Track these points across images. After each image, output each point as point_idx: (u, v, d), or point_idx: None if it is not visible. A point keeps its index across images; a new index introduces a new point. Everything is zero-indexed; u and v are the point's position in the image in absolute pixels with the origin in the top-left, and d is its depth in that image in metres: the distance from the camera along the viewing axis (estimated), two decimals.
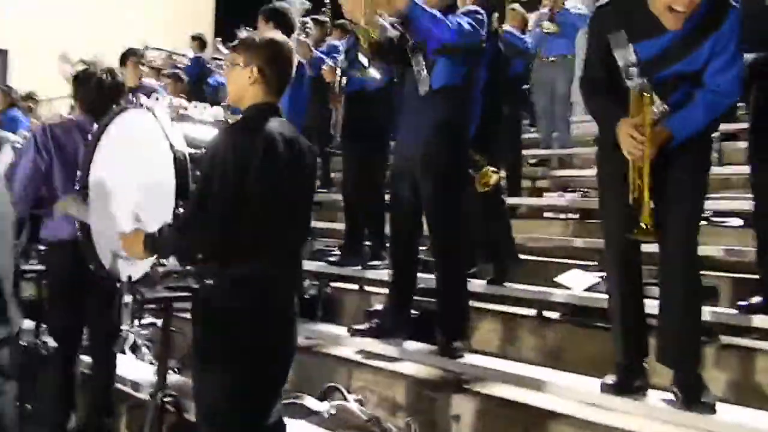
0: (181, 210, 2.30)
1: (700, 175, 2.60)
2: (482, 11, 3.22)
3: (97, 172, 2.82)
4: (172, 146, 2.47)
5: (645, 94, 2.46)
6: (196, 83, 7.80)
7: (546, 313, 3.76)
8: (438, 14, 3.03)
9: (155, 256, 2.36)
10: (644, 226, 2.43)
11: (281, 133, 2.19)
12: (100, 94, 3.11)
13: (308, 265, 4.95)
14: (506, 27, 5.14)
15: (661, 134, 2.45)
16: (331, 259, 4.73)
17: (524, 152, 6.44)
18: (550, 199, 5.65)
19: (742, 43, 2.50)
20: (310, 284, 4.69)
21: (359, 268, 4.49)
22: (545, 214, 5.61)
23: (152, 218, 2.41)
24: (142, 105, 2.63)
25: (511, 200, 5.42)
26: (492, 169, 3.72)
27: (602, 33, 2.59)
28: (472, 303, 4.01)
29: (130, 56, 5.21)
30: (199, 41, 8.42)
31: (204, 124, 2.71)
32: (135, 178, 2.65)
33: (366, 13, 3.05)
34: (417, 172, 3.27)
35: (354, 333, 3.56)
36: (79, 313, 3.11)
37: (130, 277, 2.59)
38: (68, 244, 2.95)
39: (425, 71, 3.20)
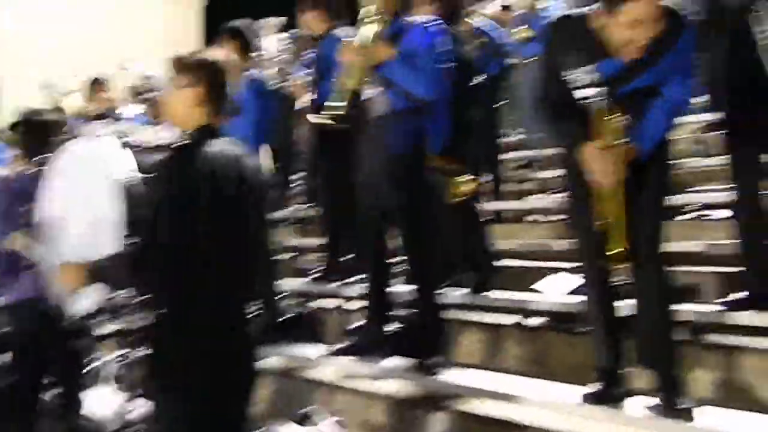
0: (130, 240, 2.24)
1: (665, 179, 2.61)
2: (442, 22, 3.19)
3: (50, 206, 2.77)
4: (118, 175, 2.44)
5: (607, 114, 2.43)
6: None
7: (528, 321, 3.66)
8: (412, 72, 3.07)
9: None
10: (619, 251, 2.43)
11: (224, 154, 2.15)
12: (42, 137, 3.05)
13: (289, 283, 4.89)
14: (482, 22, 5.03)
15: (630, 152, 2.44)
16: (313, 276, 4.64)
17: (511, 155, 6.39)
18: (534, 201, 5.56)
19: None
20: (292, 303, 4.62)
21: (337, 284, 4.40)
22: (531, 218, 5.50)
23: (102, 247, 2.36)
24: (90, 134, 2.59)
25: (492, 205, 5.37)
26: (463, 178, 3.64)
27: (555, 52, 2.56)
28: (455, 314, 3.95)
29: (95, 84, 5.20)
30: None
31: (157, 148, 2.66)
32: (86, 208, 2.60)
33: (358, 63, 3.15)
34: (382, 187, 3.21)
35: (332, 353, 3.47)
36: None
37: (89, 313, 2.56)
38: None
39: (384, 93, 3.21)
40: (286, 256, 5.95)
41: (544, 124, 2.74)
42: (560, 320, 3.49)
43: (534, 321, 3.67)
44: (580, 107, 2.49)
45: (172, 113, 2.29)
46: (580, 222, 2.64)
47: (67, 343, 2.90)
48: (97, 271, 2.20)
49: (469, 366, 3.61)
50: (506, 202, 5.56)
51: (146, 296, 2.32)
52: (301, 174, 6.31)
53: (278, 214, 7.00)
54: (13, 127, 3.24)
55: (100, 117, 5.42)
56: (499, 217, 5.38)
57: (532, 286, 3.82)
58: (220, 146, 2.17)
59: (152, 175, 2.27)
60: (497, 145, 5.53)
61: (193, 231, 2.03)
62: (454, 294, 3.91)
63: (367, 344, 3.42)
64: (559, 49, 2.54)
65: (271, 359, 3.82)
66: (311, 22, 4.36)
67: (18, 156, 3.25)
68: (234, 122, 3.81)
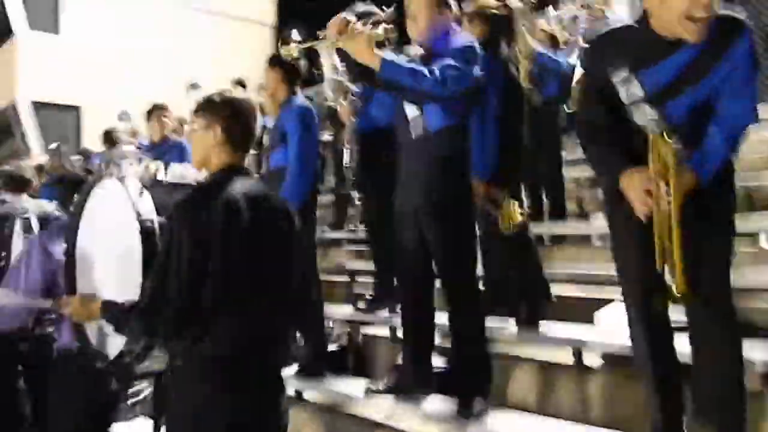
0: (144, 284, 2.18)
1: (729, 206, 2.32)
2: (475, 46, 2.96)
3: (82, 243, 2.76)
4: (138, 215, 2.39)
5: (664, 135, 2.17)
6: None
7: (586, 359, 3.39)
8: (416, 68, 2.79)
9: None
10: (678, 294, 2.15)
11: (245, 194, 2.05)
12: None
13: (339, 311, 4.79)
14: (539, 49, 4.83)
15: (690, 179, 2.17)
16: (360, 305, 4.51)
17: (576, 173, 6.09)
18: (599, 223, 5.24)
19: None
20: (340, 333, 4.52)
21: (388, 314, 4.25)
22: (598, 242, 5.18)
23: (125, 286, 2.33)
24: (112, 175, 2.55)
25: (553, 228, 5.10)
26: (516, 206, 3.44)
27: (600, 68, 2.32)
28: (505, 348, 3.74)
29: (155, 111, 5.25)
30: (240, 85, 8.47)
31: (180, 187, 2.61)
32: (113, 246, 2.57)
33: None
34: (421, 217, 3.04)
35: (371, 392, 3.31)
36: None
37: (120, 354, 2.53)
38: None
39: (417, 112, 3.02)
40: (339, 279, 5.88)
41: (585, 147, 2.48)
42: (621, 360, 3.22)
43: (592, 360, 3.41)
44: (624, 129, 2.26)
45: (194, 154, 2.23)
46: (627, 259, 2.37)
47: (104, 382, 2.89)
48: (109, 310, 2.16)
49: (518, 407, 3.40)
50: (568, 224, 5.26)
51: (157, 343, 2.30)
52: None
53: (334, 235, 6.98)
54: None
55: (159, 144, 5.52)
56: (560, 239, 5.11)
57: (594, 319, 3.54)
58: (237, 187, 2.08)
59: (171, 216, 2.19)
60: (559, 165, 5.25)
61: (204, 285, 1.94)
62: (505, 327, 3.69)
63: (411, 382, 3.25)
64: (602, 65, 2.30)
65: (317, 392, 3.73)
66: None
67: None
68: (278, 151, 3.81)
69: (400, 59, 2.80)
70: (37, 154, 20.08)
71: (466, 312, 3.03)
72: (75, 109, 22.06)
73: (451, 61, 2.80)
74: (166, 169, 2.71)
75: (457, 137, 3.01)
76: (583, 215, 5.50)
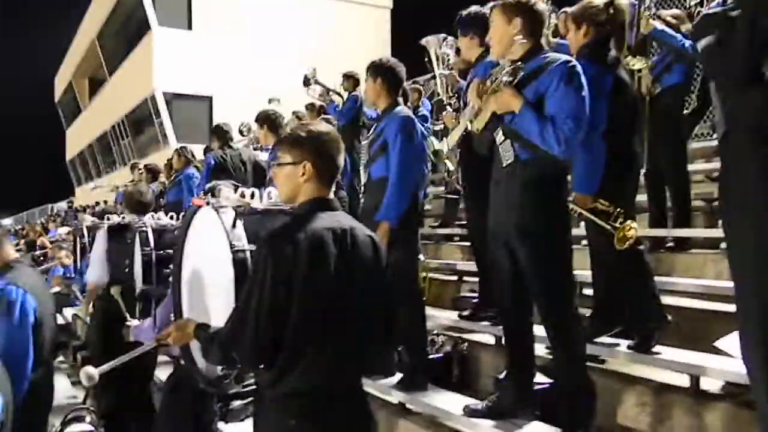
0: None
1: None
2: (575, 64, 2.82)
3: (187, 269, 2.89)
4: (232, 246, 2.46)
5: None
6: (352, 123, 7.87)
7: (704, 386, 3.14)
8: (545, 130, 2.74)
9: None
10: None
11: (332, 229, 2.07)
12: None
13: (444, 316, 4.75)
14: (658, 25, 4.47)
15: None
16: (464, 313, 4.44)
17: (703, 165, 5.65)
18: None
19: None
20: (444, 341, 4.49)
21: (493, 322, 4.16)
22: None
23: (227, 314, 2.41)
24: (208, 204, 2.64)
25: (679, 232, 4.74)
26: (630, 222, 3.22)
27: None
28: (617, 366, 3.55)
29: (264, 120, 5.43)
30: (351, 79, 8.52)
31: (273, 214, 2.66)
32: (213, 274, 2.67)
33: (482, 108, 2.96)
34: (512, 239, 2.93)
35: (469, 413, 3.25)
36: None
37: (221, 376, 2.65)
38: None
39: (505, 139, 2.93)
40: (448, 278, 5.83)
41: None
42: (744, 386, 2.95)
43: (711, 385, 3.15)
44: None
45: (282, 189, 2.25)
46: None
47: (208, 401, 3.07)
48: (200, 336, 2.25)
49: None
50: (693, 230, 4.86)
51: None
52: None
53: (443, 231, 6.92)
54: None
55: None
56: (684, 244, 4.74)
57: (715, 344, 3.27)
58: (323, 222, 2.09)
59: (258, 250, 2.23)
60: (682, 156, 4.85)
61: (285, 320, 1.97)
62: (618, 345, 3.50)
63: (512, 405, 3.16)
64: None
65: (419, 404, 3.72)
66: (464, 48, 4.18)
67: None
68: (379, 162, 3.80)
69: (531, 116, 2.78)
70: (173, 144, 21.54)
71: (563, 339, 2.89)
72: (207, 99, 23.41)
73: (567, 114, 2.72)
74: (261, 194, 2.76)
75: (547, 163, 2.85)
76: (712, 215, 5.08)
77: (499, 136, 2.97)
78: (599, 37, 3.33)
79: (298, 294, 1.97)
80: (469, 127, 3.10)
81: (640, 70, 4.31)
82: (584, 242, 3.89)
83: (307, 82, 9.15)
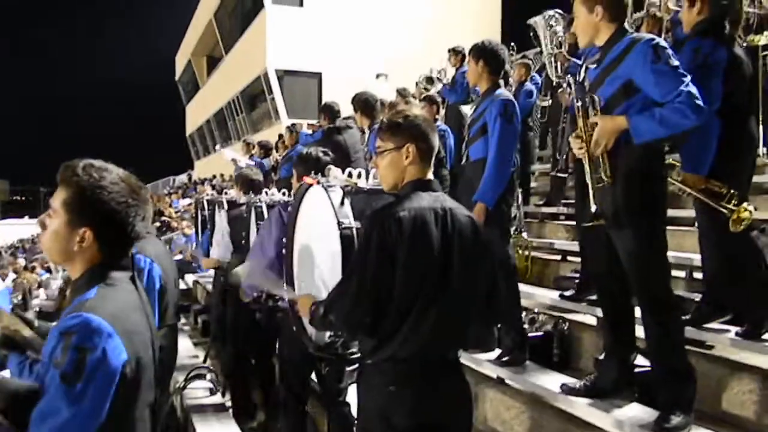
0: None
1: None
2: (659, 42, 2.76)
3: (299, 242, 3.11)
4: (340, 224, 2.64)
5: None
6: (464, 101, 7.84)
7: None
8: (660, 114, 2.69)
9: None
10: None
11: (432, 208, 2.20)
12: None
13: (545, 296, 4.77)
14: None
15: None
16: (567, 293, 4.45)
17: None
18: None
19: None
20: (545, 320, 4.52)
21: (590, 304, 4.15)
22: None
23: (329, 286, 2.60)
24: (318, 183, 2.83)
25: None
26: (745, 204, 3.13)
27: None
28: (727, 355, 3.47)
29: (358, 103, 5.59)
30: (459, 54, 8.50)
31: (378, 193, 2.81)
32: (323, 249, 2.87)
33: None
34: (609, 218, 2.93)
35: (567, 391, 3.30)
36: None
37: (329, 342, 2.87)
38: None
39: None
40: (551, 257, 5.81)
41: None
42: None
43: None
44: None
45: (387, 174, 2.36)
46: None
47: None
48: (313, 307, 2.42)
49: (733, 421, 3.16)
50: None
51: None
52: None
53: (548, 210, 6.87)
54: None
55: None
56: None
57: None
58: (425, 202, 2.22)
59: (364, 225, 2.39)
60: None
61: (387, 292, 2.13)
62: (726, 331, 3.41)
63: (610, 385, 3.19)
64: None
65: (519, 381, 3.80)
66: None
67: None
68: (478, 143, 3.87)
69: (642, 118, 2.74)
70: (284, 119, 22.30)
71: (660, 321, 2.87)
72: (317, 76, 24.02)
73: (669, 89, 2.67)
74: (367, 175, 2.92)
75: (644, 149, 2.80)
76: None
77: None
78: (714, 14, 3.21)
79: (400, 268, 2.10)
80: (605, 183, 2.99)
81: (765, 47, 4.09)
82: (697, 224, 3.79)
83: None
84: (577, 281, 4.56)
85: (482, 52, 3.90)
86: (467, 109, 5.80)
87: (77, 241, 1.63)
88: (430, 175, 2.34)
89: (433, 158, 2.36)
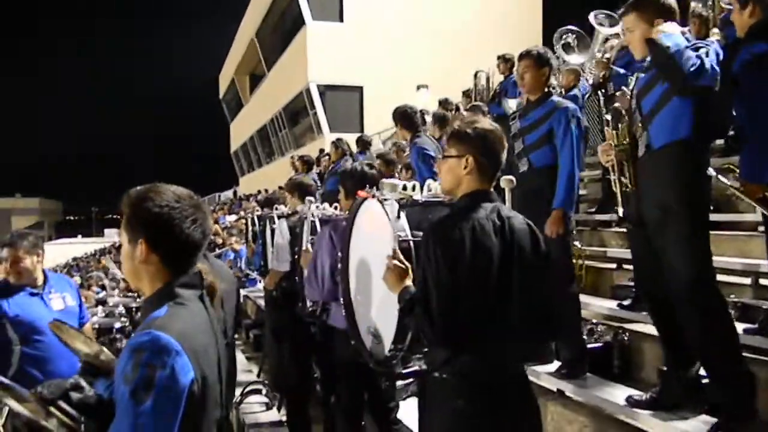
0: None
1: None
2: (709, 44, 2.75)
3: (354, 253, 3.11)
4: (397, 236, 2.62)
5: None
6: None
7: None
8: (685, 50, 2.70)
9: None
10: None
11: (492, 219, 2.19)
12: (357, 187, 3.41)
13: (602, 305, 4.67)
14: None
15: None
16: (625, 302, 4.34)
17: None
18: None
19: None
20: (603, 330, 4.41)
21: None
22: None
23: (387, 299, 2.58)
24: (373, 196, 2.83)
25: None
26: None
27: None
28: None
29: (398, 116, 5.60)
30: (509, 62, 8.40)
31: (433, 205, 2.80)
32: (380, 260, 2.85)
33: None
34: (653, 229, 2.92)
35: (632, 404, 3.21)
36: None
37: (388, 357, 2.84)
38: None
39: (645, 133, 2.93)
40: (606, 266, 5.69)
41: None
42: None
43: None
44: None
45: (445, 180, 2.38)
46: None
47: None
48: (403, 294, 2.37)
49: None
50: None
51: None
52: None
53: (602, 217, 6.73)
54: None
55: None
56: None
57: None
58: (484, 212, 2.20)
59: (425, 237, 2.38)
60: None
61: (459, 300, 2.10)
62: None
63: (677, 397, 3.09)
64: None
65: (579, 393, 3.72)
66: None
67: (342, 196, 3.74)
68: (542, 150, 3.84)
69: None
70: (327, 134, 22.50)
71: (707, 326, 2.79)
72: (358, 89, 24.21)
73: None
74: (422, 188, 2.91)
75: (682, 153, 2.82)
76: None
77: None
78: (767, 15, 3.13)
79: (464, 279, 2.08)
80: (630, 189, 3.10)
81: None
82: (761, 228, 3.67)
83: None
84: (634, 290, 4.45)
85: (544, 59, 3.89)
86: (512, 104, 5.75)
87: (138, 256, 1.66)
88: (489, 188, 2.32)
89: (497, 172, 2.34)
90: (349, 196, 3.60)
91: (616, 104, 3.35)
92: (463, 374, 2.16)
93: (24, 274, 3.62)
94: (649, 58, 2.98)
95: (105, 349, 1.90)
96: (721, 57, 2.79)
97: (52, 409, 1.53)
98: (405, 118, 5.97)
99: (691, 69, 2.64)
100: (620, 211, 3.07)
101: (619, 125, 3.20)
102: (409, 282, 2.33)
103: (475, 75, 8.86)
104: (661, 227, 2.88)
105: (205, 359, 1.61)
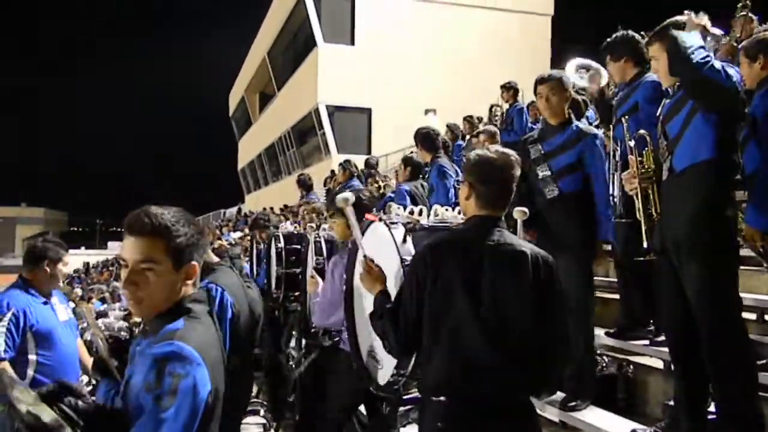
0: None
1: None
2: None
3: (358, 278, 3.09)
4: (402, 261, 2.61)
5: None
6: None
7: None
8: (701, 49, 2.72)
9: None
10: None
11: (488, 243, 2.21)
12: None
13: (606, 336, 4.62)
14: None
15: None
16: (612, 330, 4.32)
17: None
18: None
19: None
20: (608, 362, 4.37)
21: (647, 342, 4.01)
22: None
23: None
24: (381, 220, 2.82)
25: None
26: None
27: None
28: None
29: (420, 137, 5.62)
30: (512, 90, 8.46)
31: (438, 230, 2.79)
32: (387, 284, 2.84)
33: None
34: (676, 259, 2.87)
35: None
36: None
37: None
38: None
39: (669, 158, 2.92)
40: (611, 296, 5.64)
41: None
42: None
43: None
44: None
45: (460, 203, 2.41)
46: None
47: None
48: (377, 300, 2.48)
49: None
50: None
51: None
52: None
53: (608, 246, 6.68)
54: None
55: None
56: None
57: None
58: (486, 235, 2.23)
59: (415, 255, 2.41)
60: None
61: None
62: None
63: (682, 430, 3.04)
64: None
65: (582, 425, 3.67)
66: (616, 71, 4.15)
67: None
68: (570, 177, 3.80)
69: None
70: (334, 154, 22.58)
71: (729, 363, 2.75)
72: (366, 111, 24.36)
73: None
74: (429, 212, 2.90)
75: (717, 172, 2.79)
76: None
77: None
78: None
79: (427, 295, 2.17)
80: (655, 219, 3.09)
81: None
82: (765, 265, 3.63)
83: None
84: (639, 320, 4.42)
85: (568, 83, 3.90)
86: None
87: (181, 279, 1.74)
88: (496, 213, 2.30)
89: (504, 199, 2.31)
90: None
91: (641, 131, 3.33)
92: (434, 395, 2.17)
93: (58, 280, 3.63)
94: (676, 85, 2.98)
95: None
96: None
97: (53, 409, 1.54)
98: (426, 139, 6.01)
99: (701, 60, 2.65)
100: (645, 243, 3.03)
101: (643, 152, 3.18)
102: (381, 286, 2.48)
103: (491, 109, 8.89)
104: (685, 254, 2.84)
105: (219, 373, 1.68)
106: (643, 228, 3.02)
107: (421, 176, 6.18)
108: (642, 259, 3.06)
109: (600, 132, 3.87)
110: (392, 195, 6.84)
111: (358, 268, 3.01)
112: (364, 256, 2.61)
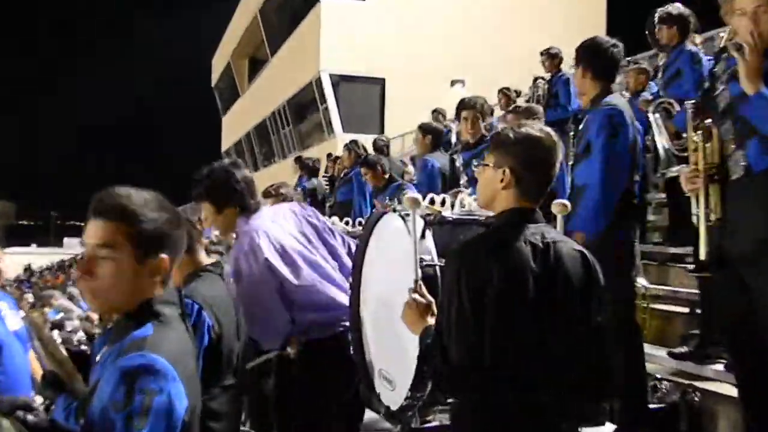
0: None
1: None
2: None
3: (369, 281, 3.13)
4: (421, 260, 2.64)
5: None
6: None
7: None
8: None
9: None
10: None
11: (531, 242, 2.18)
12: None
13: (668, 359, 4.65)
14: None
15: None
16: (676, 351, 4.37)
17: None
18: None
19: None
20: (669, 388, 4.39)
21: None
22: None
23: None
24: (395, 211, 2.86)
25: None
26: None
27: None
28: None
29: (464, 109, 5.61)
30: (554, 59, 8.41)
31: (466, 224, 2.82)
32: (399, 287, 2.87)
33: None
34: (743, 267, 2.91)
35: None
36: None
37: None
38: None
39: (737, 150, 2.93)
40: (677, 309, 5.66)
41: None
42: None
43: None
44: None
45: (481, 194, 2.39)
46: None
47: None
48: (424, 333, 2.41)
49: None
50: None
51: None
52: None
53: (672, 250, 6.70)
54: None
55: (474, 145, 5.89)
56: None
57: None
58: (528, 233, 2.21)
59: (447, 263, 2.41)
60: None
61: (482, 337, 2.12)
62: None
63: None
64: None
65: None
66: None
67: None
68: (582, 165, 3.83)
69: None
70: (339, 134, 22.61)
71: None
72: (379, 82, 24.34)
73: None
74: (453, 203, 2.93)
75: None
76: None
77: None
78: None
79: (491, 311, 2.08)
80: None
81: None
82: None
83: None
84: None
85: (589, 52, 3.94)
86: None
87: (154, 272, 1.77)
88: (535, 205, 2.31)
89: (545, 188, 2.33)
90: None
91: (707, 120, 3.27)
92: (482, 416, 2.16)
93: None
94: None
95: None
96: None
97: (5, 423, 1.60)
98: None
99: None
100: (703, 253, 3.06)
101: (706, 146, 3.17)
102: (432, 320, 2.34)
103: (534, 81, 8.85)
104: (761, 265, 2.85)
105: (195, 386, 1.72)
106: (703, 237, 3.05)
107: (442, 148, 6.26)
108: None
109: (611, 107, 3.82)
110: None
111: (374, 271, 3.04)
112: (415, 281, 2.47)
